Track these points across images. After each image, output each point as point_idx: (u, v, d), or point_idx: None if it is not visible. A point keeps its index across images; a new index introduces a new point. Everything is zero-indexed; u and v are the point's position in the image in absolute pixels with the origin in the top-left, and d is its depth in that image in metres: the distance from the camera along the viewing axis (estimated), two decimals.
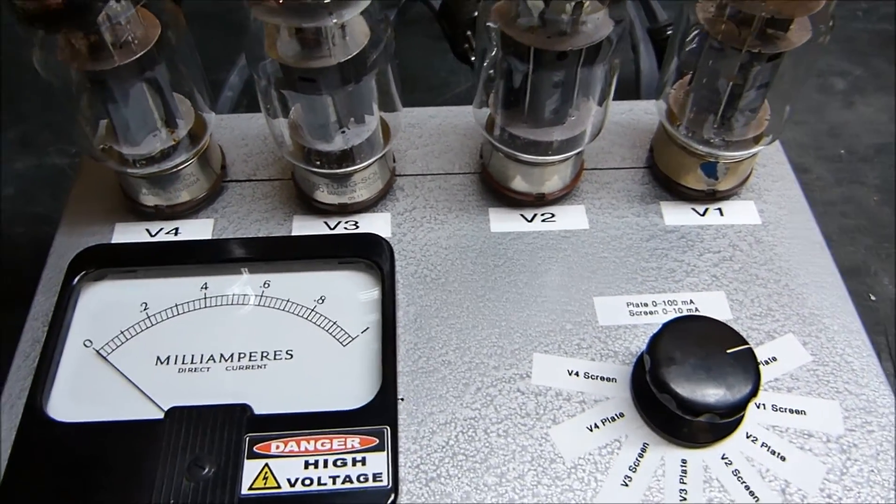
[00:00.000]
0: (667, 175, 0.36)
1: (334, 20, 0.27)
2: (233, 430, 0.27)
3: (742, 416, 0.29)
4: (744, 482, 0.28)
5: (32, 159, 0.50)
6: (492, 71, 0.32)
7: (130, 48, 0.29)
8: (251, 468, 0.26)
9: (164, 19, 0.30)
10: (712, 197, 0.36)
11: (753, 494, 0.28)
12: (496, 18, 0.29)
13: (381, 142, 0.34)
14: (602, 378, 0.31)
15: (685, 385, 0.27)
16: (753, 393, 0.27)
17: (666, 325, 0.29)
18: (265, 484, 0.26)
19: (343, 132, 0.32)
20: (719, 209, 0.36)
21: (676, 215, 0.36)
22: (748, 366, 0.28)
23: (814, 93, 0.56)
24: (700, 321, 0.29)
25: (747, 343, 0.28)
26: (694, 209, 0.36)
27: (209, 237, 0.34)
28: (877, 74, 0.57)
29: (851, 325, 0.33)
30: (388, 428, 0.27)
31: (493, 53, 0.31)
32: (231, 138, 0.38)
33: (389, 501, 0.26)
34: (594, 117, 0.33)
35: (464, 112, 0.39)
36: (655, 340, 0.28)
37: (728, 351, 0.28)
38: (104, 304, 0.32)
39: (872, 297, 0.45)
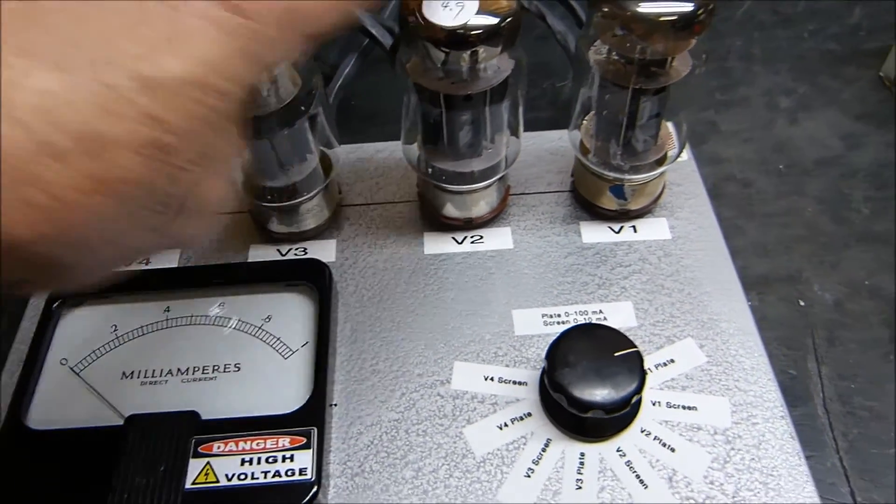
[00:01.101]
0: (585, 198, 0.40)
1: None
2: (182, 433, 0.31)
3: (636, 412, 0.33)
4: (635, 472, 0.32)
5: None
6: (412, 109, 0.36)
7: None
8: (195, 466, 0.31)
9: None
10: (626, 216, 0.40)
11: (643, 482, 0.31)
12: (410, 72, 0.33)
13: (321, 176, 0.38)
14: (514, 382, 0.34)
15: (576, 385, 0.31)
16: (637, 391, 0.31)
17: (564, 333, 0.33)
18: (206, 479, 0.30)
19: (286, 170, 0.36)
20: (633, 227, 0.40)
21: (594, 234, 0.39)
22: (634, 367, 0.31)
23: (761, 110, 0.59)
24: (595, 328, 0.33)
25: (636, 347, 0.32)
26: (610, 227, 0.40)
27: (175, 265, 0.39)
28: (822, 91, 0.60)
29: (746, 328, 0.36)
30: (316, 429, 0.31)
31: (412, 95, 0.35)
32: None
33: (311, 493, 0.30)
34: (509, 147, 0.37)
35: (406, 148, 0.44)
36: (554, 346, 0.32)
37: (616, 354, 0.32)
38: (80, 326, 0.36)
39: (801, 303, 0.48)
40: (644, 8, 0.31)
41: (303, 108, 0.34)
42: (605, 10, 0.31)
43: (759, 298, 0.48)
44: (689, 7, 0.31)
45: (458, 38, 0.30)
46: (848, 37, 0.65)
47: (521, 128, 0.37)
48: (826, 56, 0.63)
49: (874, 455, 0.42)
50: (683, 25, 0.31)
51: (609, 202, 0.39)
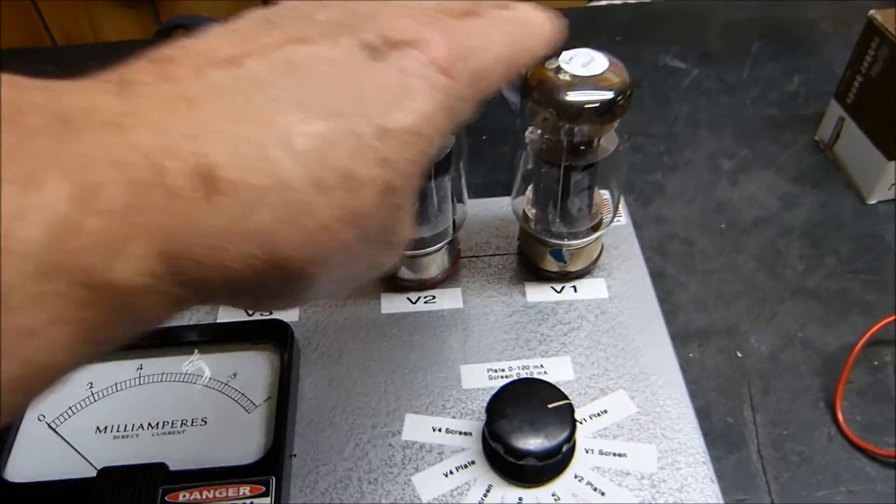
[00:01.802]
0: (530, 260, 0.43)
1: None
2: (151, 484, 0.34)
3: (569, 460, 0.36)
4: None
5: None
6: None
7: None
8: None
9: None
10: (566, 277, 0.43)
11: None
12: None
13: None
14: (459, 433, 0.37)
15: (512, 435, 0.34)
16: (567, 440, 0.34)
17: (503, 387, 0.36)
18: None
19: None
20: (574, 286, 0.43)
21: (537, 294, 0.43)
22: (565, 418, 0.35)
23: (705, 172, 0.64)
24: (532, 383, 0.36)
25: (568, 399, 0.35)
26: (552, 287, 0.43)
27: None
28: (760, 154, 0.65)
29: (674, 381, 0.39)
30: (274, 478, 0.34)
31: None
32: None
33: None
34: (456, 213, 0.40)
35: None
36: (493, 399, 0.35)
37: (549, 406, 0.35)
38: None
39: (739, 354, 0.51)
40: (570, 97, 0.34)
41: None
42: (536, 97, 0.35)
43: (699, 351, 0.51)
44: (609, 95, 0.35)
45: None
46: (787, 103, 0.70)
47: (466, 193, 0.41)
48: (766, 121, 0.68)
49: (804, 496, 0.45)
50: (605, 111, 0.35)
51: (550, 264, 0.43)
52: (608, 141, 0.38)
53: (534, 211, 0.41)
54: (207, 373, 0.38)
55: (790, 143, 0.66)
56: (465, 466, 0.36)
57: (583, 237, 0.41)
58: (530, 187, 0.42)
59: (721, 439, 0.47)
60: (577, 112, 0.35)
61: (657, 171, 0.64)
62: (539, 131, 0.38)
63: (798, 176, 0.63)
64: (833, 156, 0.63)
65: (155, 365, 0.39)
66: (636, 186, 0.62)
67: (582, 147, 0.37)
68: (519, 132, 0.40)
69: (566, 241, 0.41)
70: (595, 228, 0.41)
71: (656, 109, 0.70)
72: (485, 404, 0.38)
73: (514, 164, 0.50)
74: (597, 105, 0.34)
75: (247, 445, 0.36)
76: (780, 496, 0.45)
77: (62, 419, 0.38)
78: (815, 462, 0.46)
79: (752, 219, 0.60)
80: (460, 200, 0.41)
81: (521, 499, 0.35)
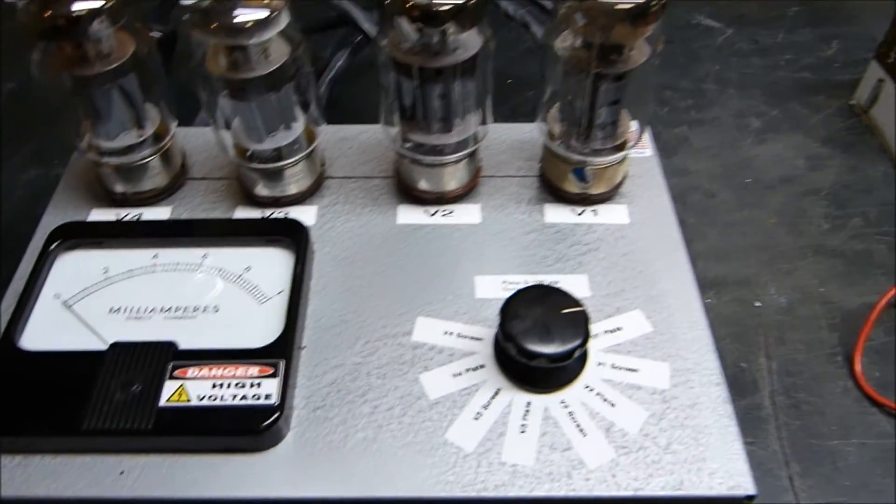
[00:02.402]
0: (550, 181, 0.43)
1: (255, 40, 0.35)
2: (160, 359, 0.34)
3: (581, 369, 0.36)
4: (575, 421, 0.34)
5: (41, 170, 0.59)
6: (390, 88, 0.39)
7: (109, 59, 0.37)
8: (170, 387, 0.33)
9: (137, 41, 0.39)
10: (587, 200, 0.43)
11: (582, 430, 0.34)
12: (388, 46, 0.37)
13: (305, 145, 0.41)
14: (471, 338, 0.37)
15: (524, 335, 0.34)
16: (580, 345, 0.34)
17: (519, 291, 0.35)
18: (179, 398, 0.33)
19: (272, 135, 0.40)
20: (594, 210, 0.43)
21: (556, 215, 0.43)
22: (579, 324, 0.34)
23: (731, 130, 0.63)
24: (547, 289, 0.36)
25: (582, 306, 0.35)
26: (572, 210, 0.43)
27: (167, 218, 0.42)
28: (791, 116, 0.64)
29: (692, 304, 0.39)
30: (283, 361, 0.34)
31: (389, 72, 0.38)
32: (194, 145, 0.46)
33: (274, 416, 0.32)
34: (478, 123, 0.40)
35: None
36: (508, 301, 0.35)
37: (563, 311, 0.35)
38: (73, 267, 0.39)
39: (758, 304, 0.51)
40: None
41: (289, 74, 0.38)
42: (570, 1, 0.35)
43: (715, 297, 0.51)
44: None
45: (430, 14, 0.33)
46: (822, 68, 0.69)
47: (490, 111, 0.40)
48: (798, 84, 0.67)
49: (814, 445, 0.44)
50: (638, 15, 0.34)
51: (572, 185, 0.42)
52: (640, 52, 0.37)
53: (559, 127, 0.41)
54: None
55: (822, 107, 0.65)
56: (475, 369, 0.36)
57: (606, 155, 0.40)
58: (556, 106, 0.41)
59: (732, 384, 0.46)
60: (611, 13, 0.34)
61: (683, 124, 0.63)
62: (570, 38, 0.38)
63: (828, 139, 0.62)
64: (869, 119, 0.62)
65: (170, 255, 0.39)
66: (661, 137, 0.61)
67: (612, 55, 0.37)
68: (548, 46, 0.39)
69: (589, 158, 0.40)
70: (619, 148, 0.41)
71: (686, 66, 0.69)
72: (497, 314, 0.38)
73: (540, 87, 0.50)
74: (630, 7, 0.34)
75: (257, 333, 0.36)
76: (790, 443, 0.44)
77: (77, 299, 0.38)
78: (828, 413, 0.45)
79: (777, 177, 0.59)
80: (483, 120, 0.40)
81: (529, 403, 0.35)
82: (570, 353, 0.33)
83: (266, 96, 0.38)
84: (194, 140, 0.46)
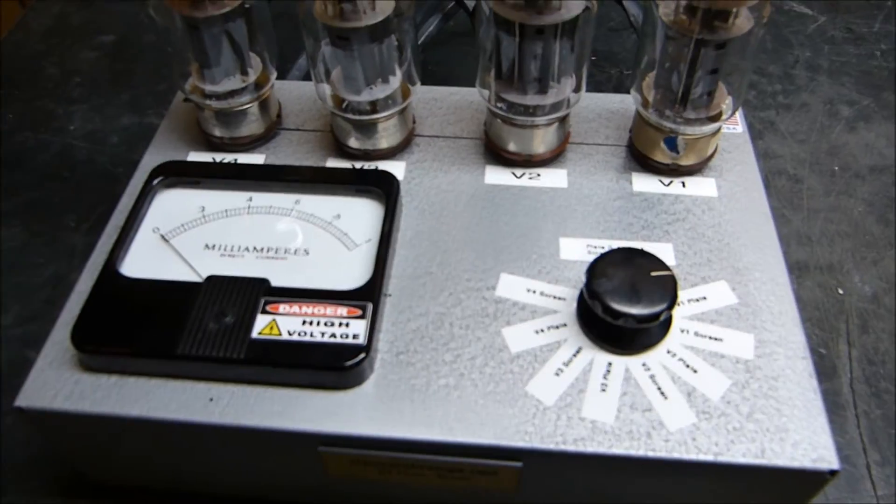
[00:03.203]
0: (640, 151, 0.43)
1: None
2: (253, 294, 0.35)
3: (664, 334, 0.35)
4: (657, 384, 0.34)
5: (135, 118, 0.61)
6: (489, 44, 0.39)
7: (220, 3, 0.39)
8: (262, 320, 0.34)
9: None
10: (676, 171, 0.42)
11: (663, 393, 0.34)
12: (491, 1, 0.37)
13: (400, 100, 0.42)
14: (554, 297, 0.37)
15: (611, 294, 0.34)
16: (668, 307, 0.33)
17: (607, 252, 0.35)
18: (270, 331, 0.34)
19: (370, 88, 0.40)
20: (682, 182, 0.42)
21: (644, 184, 0.42)
22: (667, 286, 0.34)
23: (821, 116, 0.61)
24: (636, 252, 0.36)
25: (670, 270, 0.35)
26: (660, 180, 0.42)
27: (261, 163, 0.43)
28: (884, 106, 0.62)
29: (779, 279, 0.38)
30: (371, 304, 0.35)
31: (489, 30, 0.38)
32: (289, 98, 0.47)
33: (361, 355, 0.33)
34: (572, 88, 0.40)
35: (477, 92, 0.47)
36: (596, 260, 0.35)
37: (652, 274, 0.34)
38: (172, 204, 0.41)
39: (840, 291, 0.50)
40: None
41: (393, 27, 0.38)
42: None
43: (796, 282, 0.50)
44: None
45: None
46: None
47: (585, 80, 0.40)
48: (892, 74, 0.65)
49: (893, 434, 0.43)
50: None
51: (662, 155, 0.42)
52: (744, 21, 0.37)
53: (654, 95, 0.40)
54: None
55: None
56: (557, 327, 0.36)
57: (699, 125, 0.40)
58: (651, 74, 0.41)
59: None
60: None
61: (770, 108, 0.62)
62: (674, 3, 0.37)
63: None
64: None
65: (264, 198, 0.40)
66: (746, 120, 0.60)
67: (716, 22, 0.36)
68: (649, 10, 0.39)
69: (682, 128, 0.40)
70: (713, 120, 0.40)
71: (776, 51, 0.67)
72: (581, 275, 0.38)
73: (621, 84, 0.49)
74: None
75: (346, 276, 0.37)
76: (868, 431, 0.43)
77: (174, 233, 0.39)
78: None
79: (867, 165, 0.58)
80: (577, 87, 0.40)
81: (610, 364, 0.35)
82: (656, 315, 0.33)
83: (369, 47, 0.38)
84: (288, 93, 0.48)
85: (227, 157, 0.44)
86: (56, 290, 0.49)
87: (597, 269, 0.35)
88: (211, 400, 0.33)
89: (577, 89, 0.41)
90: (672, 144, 0.41)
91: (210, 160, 0.44)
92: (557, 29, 0.37)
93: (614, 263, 0.35)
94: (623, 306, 0.33)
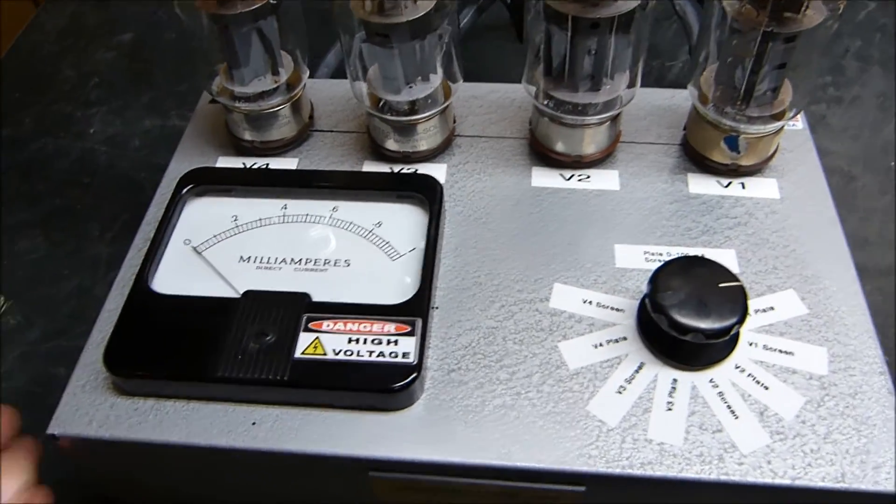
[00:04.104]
0: (696, 150, 0.40)
1: None
2: (293, 310, 0.33)
3: (732, 348, 0.33)
4: (726, 402, 0.32)
5: (157, 120, 0.59)
6: (538, 43, 0.37)
7: (250, 1, 0.36)
8: (305, 339, 0.32)
9: None
10: (736, 172, 0.40)
11: (734, 412, 0.32)
12: None
13: (441, 100, 0.39)
14: (612, 308, 0.35)
15: (677, 307, 0.31)
16: (738, 321, 0.31)
17: (670, 261, 0.33)
18: (315, 351, 0.32)
19: (410, 87, 0.38)
20: (742, 183, 0.40)
21: (701, 185, 0.40)
22: (736, 299, 0.32)
23: (873, 111, 0.59)
24: (702, 261, 0.33)
25: (739, 281, 0.32)
26: (718, 181, 0.40)
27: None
28: None
29: (850, 288, 0.36)
30: (420, 320, 0.33)
31: (539, 24, 0.36)
32: (321, 97, 0.45)
33: (413, 375, 0.31)
34: (626, 85, 0.38)
35: (519, 89, 0.45)
36: (659, 270, 0.33)
37: (720, 285, 0.32)
38: (203, 214, 0.39)
39: None
40: None
41: (435, 24, 0.36)
42: None
43: None
44: None
45: None
46: None
47: (640, 76, 0.38)
48: None
49: None
50: None
51: (721, 155, 0.39)
52: (816, 12, 0.34)
53: (714, 91, 0.38)
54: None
55: None
56: (616, 341, 0.34)
57: (763, 124, 0.38)
58: (710, 68, 0.39)
59: None
60: None
61: (820, 102, 0.59)
62: None
63: None
64: None
65: (299, 206, 0.38)
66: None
67: (787, 12, 0.34)
68: (712, 2, 0.36)
69: (745, 126, 0.38)
70: (776, 118, 0.38)
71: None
72: (640, 284, 0.36)
73: (663, 76, 0.47)
74: None
75: (390, 289, 0.35)
76: None
77: (206, 245, 0.37)
78: None
79: None
80: (632, 82, 0.38)
81: (675, 380, 0.32)
82: (727, 330, 0.31)
83: (409, 45, 0.36)
84: (320, 92, 0.45)
85: (258, 162, 0.42)
86: (81, 302, 0.47)
87: (660, 279, 0.32)
88: (254, 424, 0.31)
89: (630, 85, 0.38)
90: (733, 144, 0.39)
91: (240, 165, 0.42)
92: (613, 22, 0.34)
93: (678, 273, 0.33)
94: (691, 321, 0.31)
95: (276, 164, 0.42)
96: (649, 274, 0.35)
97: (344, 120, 0.44)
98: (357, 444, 0.31)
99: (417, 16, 0.35)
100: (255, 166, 0.42)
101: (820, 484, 0.30)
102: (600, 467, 0.30)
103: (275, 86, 0.40)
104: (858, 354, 0.33)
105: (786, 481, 0.30)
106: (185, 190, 0.39)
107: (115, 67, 0.64)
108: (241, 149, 0.42)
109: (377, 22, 0.35)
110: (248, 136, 0.41)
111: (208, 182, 0.39)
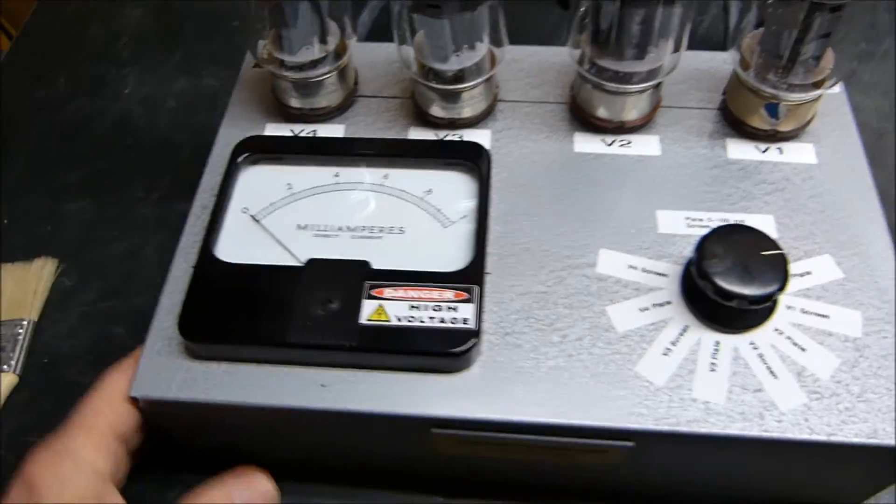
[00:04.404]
0: (735, 115, 0.41)
1: None
2: (355, 277, 0.35)
3: (771, 312, 0.35)
4: (766, 363, 0.34)
5: (191, 80, 0.59)
6: (584, 9, 0.38)
7: None
8: (368, 306, 0.34)
9: None
10: (774, 137, 0.41)
11: (773, 373, 0.33)
12: None
13: (487, 67, 0.40)
14: (656, 273, 0.37)
15: (722, 274, 0.33)
16: (780, 288, 0.33)
17: (714, 229, 0.35)
18: (379, 317, 0.34)
19: (457, 55, 0.39)
20: (779, 148, 0.41)
21: (740, 151, 0.41)
22: (778, 266, 0.33)
23: None
24: (745, 229, 0.35)
25: (781, 249, 0.34)
26: (756, 146, 0.41)
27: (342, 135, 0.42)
28: None
29: (884, 254, 0.37)
30: (477, 287, 0.34)
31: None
32: (364, 62, 0.46)
33: (473, 340, 0.33)
34: (670, 53, 0.38)
35: (560, 52, 0.45)
36: (704, 238, 0.34)
37: (763, 253, 0.34)
38: (258, 182, 0.40)
39: None
40: None
41: None
42: None
43: None
44: None
45: None
46: None
47: (685, 41, 0.39)
48: None
49: None
50: None
51: (760, 121, 0.40)
52: None
53: (756, 58, 0.39)
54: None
55: None
56: (661, 305, 0.35)
57: (804, 92, 0.38)
58: (751, 35, 0.39)
59: None
60: None
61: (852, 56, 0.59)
62: None
63: None
64: None
65: (351, 173, 0.40)
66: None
67: None
68: None
69: (786, 93, 0.38)
70: (817, 85, 0.39)
71: None
72: (683, 250, 0.37)
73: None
74: None
75: (445, 257, 0.36)
76: None
77: (264, 213, 0.38)
78: None
79: None
80: (677, 47, 0.39)
81: (718, 343, 0.34)
82: (770, 296, 0.33)
83: (460, 15, 0.37)
84: (362, 56, 0.46)
85: (306, 129, 0.43)
86: (134, 263, 0.48)
87: (705, 248, 0.34)
88: (323, 386, 0.33)
89: (676, 48, 0.39)
90: (773, 111, 0.39)
91: (289, 132, 0.43)
92: None
93: (722, 241, 0.34)
94: (735, 287, 0.33)
95: (324, 130, 0.43)
96: (691, 239, 0.37)
97: (388, 85, 0.45)
98: (420, 403, 0.33)
99: None
100: (303, 132, 0.43)
101: (854, 440, 0.32)
102: (649, 424, 0.32)
103: (323, 55, 0.40)
104: (892, 317, 0.35)
105: (822, 437, 0.32)
106: (239, 159, 0.40)
107: (143, 25, 0.65)
108: (289, 115, 0.43)
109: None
110: (295, 103, 0.42)
111: (262, 151, 0.40)
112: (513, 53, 0.46)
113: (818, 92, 0.39)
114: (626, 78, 0.39)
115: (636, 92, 0.40)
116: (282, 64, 0.41)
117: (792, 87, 0.38)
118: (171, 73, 0.60)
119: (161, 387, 0.34)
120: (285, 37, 0.39)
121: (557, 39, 0.59)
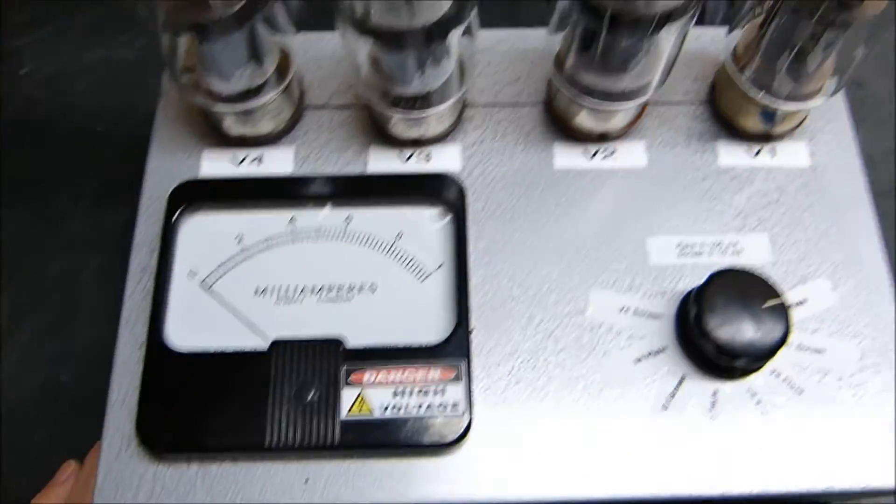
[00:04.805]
0: (726, 115, 0.38)
1: None
2: (330, 361, 0.32)
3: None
4: (762, 409, 0.33)
5: (101, 51, 0.51)
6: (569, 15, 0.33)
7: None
8: (348, 395, 0.31)
9: None
10: (766, 138, 0.38)
11: (769, 418, 0.33)
12: None
13: (457, 83, 0.35)
14: (649, 315, 0.34)
15: (724, 334, 0.31)
16: (781, 342, 0.31)
17: (711, 277, 0.32)
18: (361, 409, 0.31)
19: (421, 76, 0.34)
20: (771, 149, 0.38)
21: (731, 156, 0.38)
22: (780, 319, 0.31)
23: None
24: (741, 275, 0.33)
25: (781, 297, 0.32)
26: (748, 149, 0.38)
27: (291, 166, 0.37)
28: None
29: (878, 274, 0.35)
30: (464, 362, 0.32)
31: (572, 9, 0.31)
32: (307, 59, 0.39)
33: (465, 427, 0.31)
34: (661, 71, 0.34)
35: (533, 36, 0.40)
36: (701, 290, 0.32)
37: (764, 306, 0.32)
38: (202, 235, 0.35)
39: None
40: None
41: (462, 17, 0.31)
42: None
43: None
44: None
45: None
46: None
47: (678, 55, 0.34)
48: None
49: None
50: None
51: (753, 123, 0.37)
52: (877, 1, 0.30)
53: (755, 63, 0.34)
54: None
55: None
56: (656, 353, 0.34)
57: (800, 101, 0.35)
58: (748, 25, 0.35)
59: None
60: None
61: None
62: None
63: None
64: None
65: (308, 217, 0.35)
66: None
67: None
68: None
69: (783, 101, 0.35)
70: (814, 94, 0.35)
71: None
72: (675, 284, 0.35)
73: None
74: None
75: (425, 321, 0.33)
76: None
77: (215, 277, 0.34)
78: None
79: None
80: (669, 67, 0.34)
81: (715, 392, 0.33)
82: (772, 352, 0.31)
83: (427, 49, 0.31)
84: (304, 52, 0.39)
85: (251, 155, 0.37)
86: (71, 290, 0.44)
87: (704, 300, 0.32)
88: (306, 481, 0.31)
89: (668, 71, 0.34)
90: (769, 118, 0.36)
91: (230, 161, 0.37)
92: (654, 20, 0.30)
93: (721, 294, 0.32)
94: (738, 345, 0.31)
95: (271, 155, 0.37)
96: (684, 270, 0.35)
97: (338, 90, 0.39)
98: (412, 491, 0.31)
99: (436, 18, 0.30)
100: (247, 159, 0.37)
101: (853, 487, 0.32)
102: (653, 491, 0.31)
103: (263, 80, 0.34)
104: (886, 348, 0.34)
105: (821, 488, 0.32)
106: (178, 211, 0.35)
107: None
108: (229, 140, 0.37)
109: (388, 30, 0.30)
110: (234, 130, 0.37)
111: (203, 198, 0.35)
112: (481, 39, 0.40)
113: (816, 101, 0.35)
114: (608, 95, 0.34)
115: (618, 111, 0.35)
116: (211, 94, 0.34)
117: (789, 96, 0.35)
118: (77, 43, 0.52)
119: (127, 496, 0.31)
120: (213, 71, 0.33)
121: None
